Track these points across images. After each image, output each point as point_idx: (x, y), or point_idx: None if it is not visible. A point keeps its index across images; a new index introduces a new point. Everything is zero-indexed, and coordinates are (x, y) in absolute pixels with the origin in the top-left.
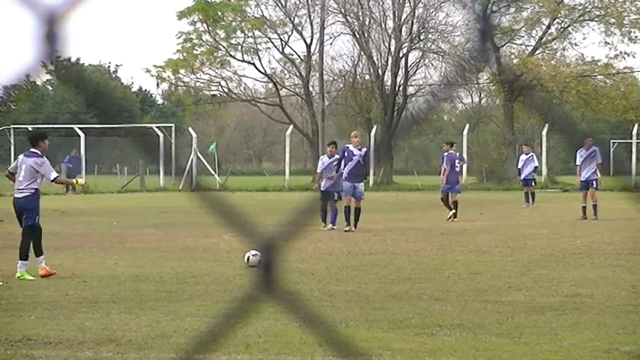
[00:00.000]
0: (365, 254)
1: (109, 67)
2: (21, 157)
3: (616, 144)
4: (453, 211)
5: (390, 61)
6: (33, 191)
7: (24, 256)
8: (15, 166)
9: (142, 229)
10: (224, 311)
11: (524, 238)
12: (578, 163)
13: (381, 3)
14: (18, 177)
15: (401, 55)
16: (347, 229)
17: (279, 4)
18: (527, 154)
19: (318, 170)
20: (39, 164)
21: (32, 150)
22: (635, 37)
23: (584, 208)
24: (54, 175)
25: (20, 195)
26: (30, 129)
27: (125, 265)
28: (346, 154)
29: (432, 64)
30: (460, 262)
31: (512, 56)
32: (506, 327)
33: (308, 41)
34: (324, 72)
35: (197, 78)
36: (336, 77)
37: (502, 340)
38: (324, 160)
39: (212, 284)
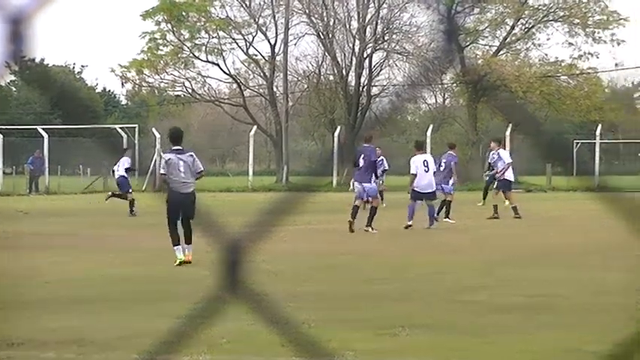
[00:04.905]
0: (331, 255)
1: (73, 67)
2: None
3: (579, 144)
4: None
5: (354, 62)
6: None
7: None
8: None
9: (105, 229)
10: (188, 312)
11: (490, 238)
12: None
13: (345, 3)
14: None
15: (365, 55)
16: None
17: (244, 5)
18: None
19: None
20: None
21: None
22: (599, 37)
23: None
24: None
25: None
26: None
27: (95, 266)
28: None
29: (396, 65)
30: (426, 262)
31: (477, 57)
32: (474, 327)
33: (272, 42)
34: (288, 72)
35: (161, 78)
36: (300, 78)
37: (469, 340)
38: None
39: (180, 285)
